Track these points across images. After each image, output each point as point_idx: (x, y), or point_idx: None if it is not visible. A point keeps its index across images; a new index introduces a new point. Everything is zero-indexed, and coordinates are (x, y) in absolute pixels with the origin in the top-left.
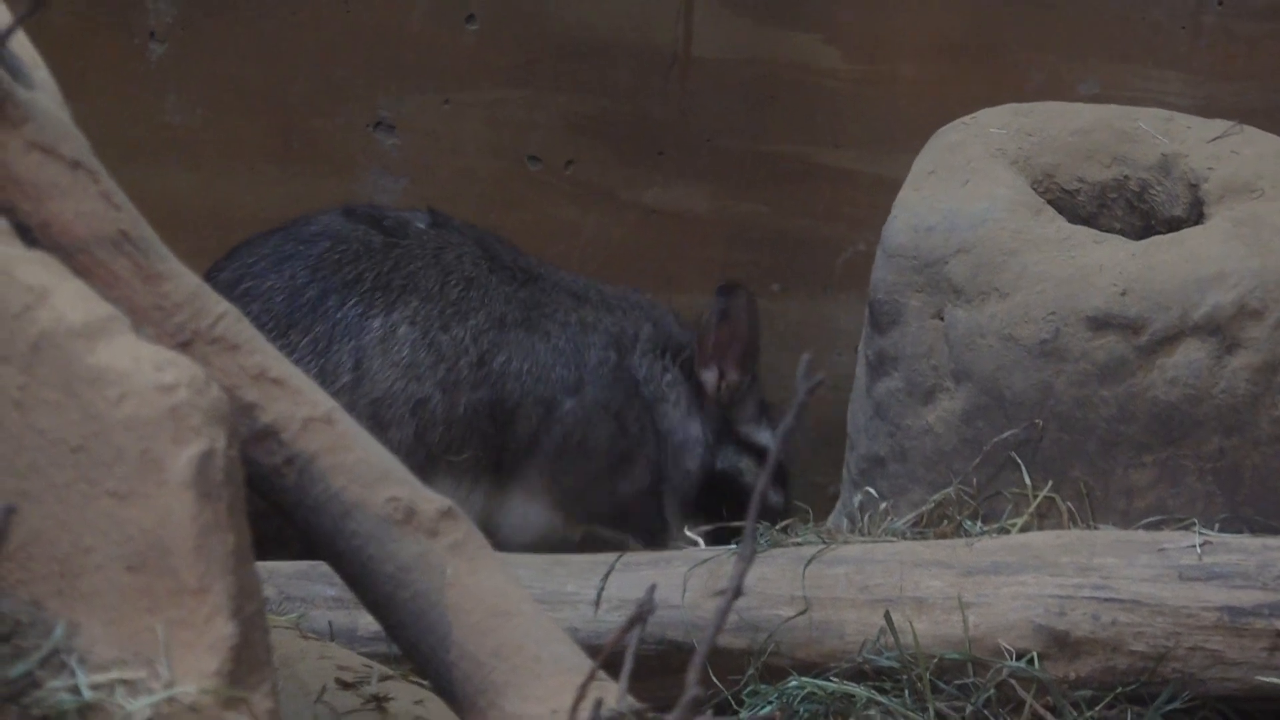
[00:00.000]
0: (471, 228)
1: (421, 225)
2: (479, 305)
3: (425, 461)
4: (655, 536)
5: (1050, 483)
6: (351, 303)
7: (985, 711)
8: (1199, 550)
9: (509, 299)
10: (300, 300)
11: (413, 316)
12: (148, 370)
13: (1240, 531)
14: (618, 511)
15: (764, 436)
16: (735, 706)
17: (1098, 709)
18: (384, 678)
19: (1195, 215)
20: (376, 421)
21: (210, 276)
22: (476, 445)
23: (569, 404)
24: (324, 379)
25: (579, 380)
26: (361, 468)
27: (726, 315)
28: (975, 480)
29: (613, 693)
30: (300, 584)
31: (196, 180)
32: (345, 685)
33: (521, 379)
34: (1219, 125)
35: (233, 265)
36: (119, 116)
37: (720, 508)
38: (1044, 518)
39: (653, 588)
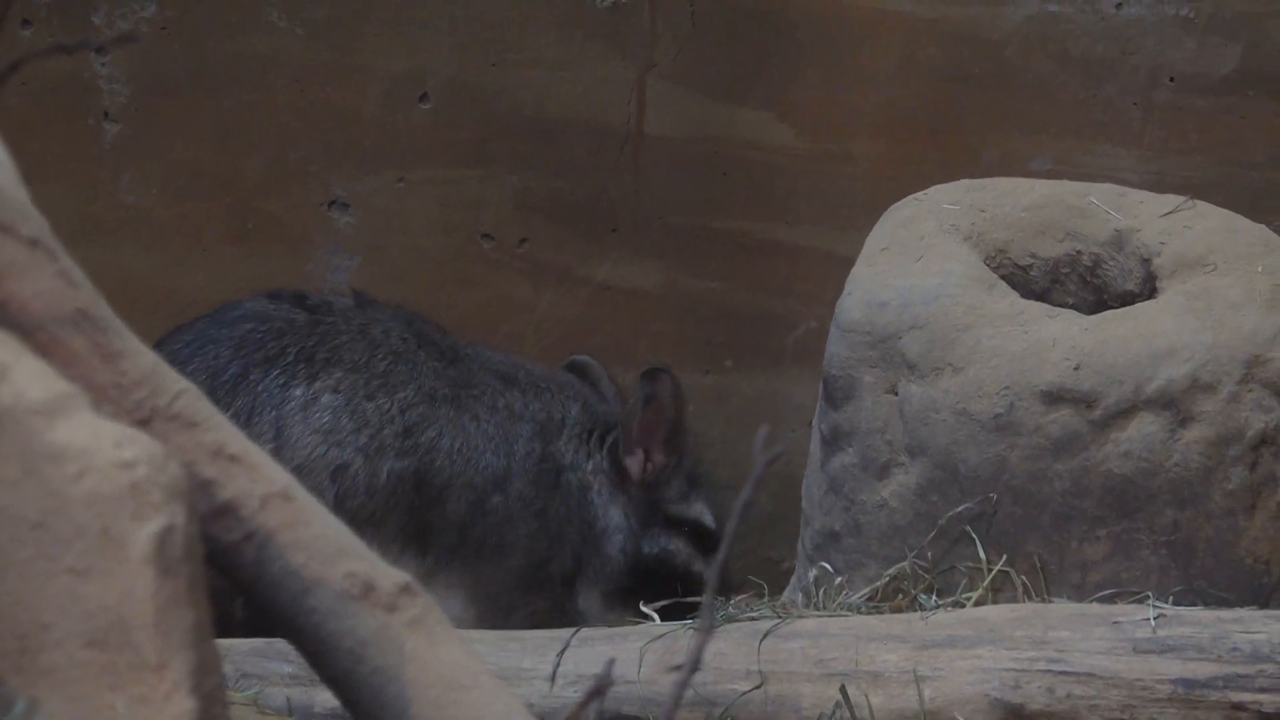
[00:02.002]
0: (398, 308)
1: (346, 304)
2: (408, 379)
3: None
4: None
5: (1005, 556)
6: (274, 375)
7: None
8: (1153, 623)
9: (438, 375)
10: (222, 378)
11: (336, 386)
12: (107, 447)
13: (1194, 604)
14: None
15: (695, 510)
16: None
17: None
18: None
19: (1148, 290)
20: None
21: None
22: (400, 517)
23: (496, 500)
24: None
25: (507, 470)
26: (320, 543)
27: (652, 400)
28: (930, 554)
29: None
30: (256, 661)
31: (153, 259)
32: None
33: (452, 457)
34: (1171, 200)
35: (159, 354)
36: (75, 196)
37: (650, 593)
38: (999, 591)
39: (611, 662)
